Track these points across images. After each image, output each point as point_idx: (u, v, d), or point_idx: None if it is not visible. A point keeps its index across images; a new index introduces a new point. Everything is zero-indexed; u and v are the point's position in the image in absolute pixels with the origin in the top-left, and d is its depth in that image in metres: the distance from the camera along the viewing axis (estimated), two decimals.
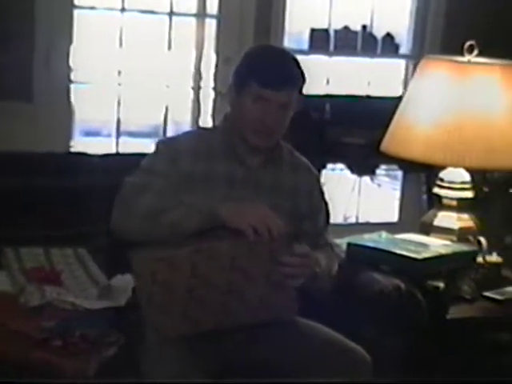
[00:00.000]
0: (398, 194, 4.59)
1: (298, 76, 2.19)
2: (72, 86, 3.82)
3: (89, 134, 5.08)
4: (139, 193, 2.09)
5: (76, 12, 3.73)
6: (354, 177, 4.46)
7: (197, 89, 4.11)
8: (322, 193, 2.38)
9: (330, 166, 4.22)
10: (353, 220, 4.63)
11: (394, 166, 4.25)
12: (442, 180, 2.90)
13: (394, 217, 4.53)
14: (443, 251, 2.66)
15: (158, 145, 2.26)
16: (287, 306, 2.06)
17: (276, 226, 1.97)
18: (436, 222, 2.89)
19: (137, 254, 1.95)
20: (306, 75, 2.21)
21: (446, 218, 2.88)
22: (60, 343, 2.09)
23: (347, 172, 4.31)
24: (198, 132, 2.48)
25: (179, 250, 1.96)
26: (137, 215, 2.06)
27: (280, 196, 2.25)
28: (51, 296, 2.25)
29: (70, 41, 3.73)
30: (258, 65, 2.18)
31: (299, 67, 2.20)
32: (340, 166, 4.28)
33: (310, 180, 2.33)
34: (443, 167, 2.87)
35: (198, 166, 2.18)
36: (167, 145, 2.26)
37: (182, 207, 2.03)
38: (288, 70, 2.17)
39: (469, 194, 2.89)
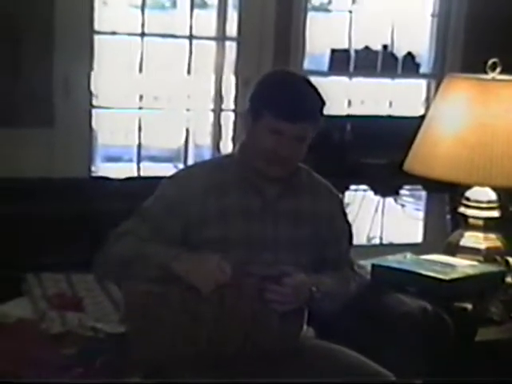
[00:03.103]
0: (421, 214, 4.55)
1: (315, 107, 2.11)
2: (93, 112, 3.83)
3: (110, 159, 5.09)
4: (118, 239, 2.12)
5: (96, 37, 3.74)
6: (378, 197, 4.43)
7: (218, 112, 4.11)
8: (345, 214, 2.33)
9: (353, 187, 4.20)
10: (377, 241, 4.58)
11: (418, 186, 4.21)
12: (468, 199, 2.85)
13: (418, 238, 4.48)
14: (470, 272, 2.62)
15: (167, 181, 2.21)
16: (271, 341, 2.07)
17: (224, 279, 1.98)
18: (462, 243, 2.84)
19: (127, 286, 2.01)
20: (326, 99, 2.13)
21: (472, 238, 2.84)
22: (81, 371, 2.06)
23: (371, 193, 4.27)
24: (214, 163, 2.36)
25: (172, 286, 1.99)
26: (107, 263, 2.11)
27: (300, 224, 2.19)
28: (72, 323, 2.23)
29: (90, 66, 3.74)
30: (273, 95, 2.09)
31: (318, 94, 2.12)
32: (363, 186, 4.24)
33: (331, 203, 2.27)
34: (468, 186, 2.83)
35: (212, 201, 2.13)
36: (177, 183, 2.20)
37: (144, 259, 2.04)
38: (305, 102, 2.09)
39: (495, 214, 2.85)
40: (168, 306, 1.98)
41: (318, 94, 2.13)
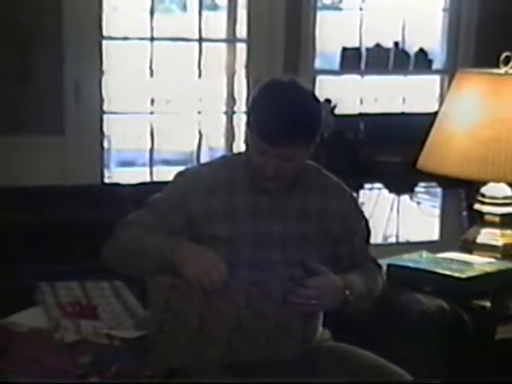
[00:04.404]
0: (437, 211, 4.51)
1: (303, 129, 2.01)
2: (105, 117, 3.82)
3: (124, 164, 5.10)
4: (123, 228, 2.13)
5: (105, 43, 3.74)
6: (393, 195, 4.40)
7: (230, 114, 4.09)
8: (359, 211, 2.29)
9: (367, 185, 4.17)
10: (393, 240, 4.55)
11: (433, 183, 4.17)
12: (483, 196, 2.81)
13: (434, 235, 4.44)
14: (488, 269, 2.58)
15: (176, 177, 2.20)
16: (293, 347, 2.03)
17: (219, 277, 1.94)
18: (479, 240, 2.80)
19: (152, 280, 1.97)
20: (321, 118, 2.05)
21: (488, 235, 2.80)
22: (96, 379, 2.05)
23: (385, 191, 4.24)
24: (223, 162, 2.31)
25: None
26: (113, 249, 2.12)
27: (309, 222, 2.15)
28: (87, 331, 2.21)
29: (100, 72, 3.73)
30: (258, 115, 2.04)
31: (314, 112, 2.04)
32: (378, 185, 4.22)
33: (342, 200, 2.22)
34: (483, 183, 2.79)
35: (219, 199, 2.11)
36: (185, 179, 2.18)
37: (142, 249, 2.04)
38: (290, 125, 1.99)
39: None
40: (191, 303, 1.94)
41: (315, 112, 2.05)
